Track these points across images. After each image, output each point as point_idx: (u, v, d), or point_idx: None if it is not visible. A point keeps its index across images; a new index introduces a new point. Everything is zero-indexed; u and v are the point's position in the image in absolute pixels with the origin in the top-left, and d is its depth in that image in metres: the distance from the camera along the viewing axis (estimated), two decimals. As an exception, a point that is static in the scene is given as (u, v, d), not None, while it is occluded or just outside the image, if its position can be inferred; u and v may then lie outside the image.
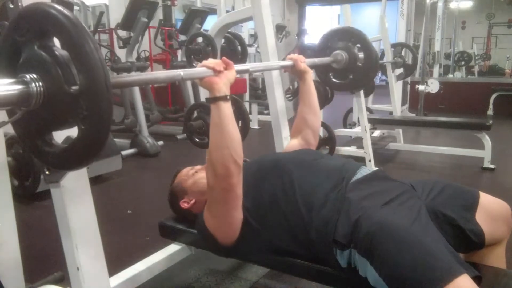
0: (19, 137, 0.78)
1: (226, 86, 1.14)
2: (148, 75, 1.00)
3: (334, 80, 2.04)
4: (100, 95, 0.64)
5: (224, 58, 1.20)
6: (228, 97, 1.14)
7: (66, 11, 0.66)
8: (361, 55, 1.88)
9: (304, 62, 1.61)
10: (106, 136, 0.69)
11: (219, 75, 1.14)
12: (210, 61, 1.15)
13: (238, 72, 1.23)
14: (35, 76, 0.68)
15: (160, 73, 1.01)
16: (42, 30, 0.69)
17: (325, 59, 1.88)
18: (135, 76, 0.92)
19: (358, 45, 1.97)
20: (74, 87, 0.66)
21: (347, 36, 1.95)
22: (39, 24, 0.69)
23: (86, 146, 0.69)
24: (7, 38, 0.74)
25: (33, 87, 0.67)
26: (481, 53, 11.35)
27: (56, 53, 0.68)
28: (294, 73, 1.65)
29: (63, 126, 0.72)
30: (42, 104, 0.68)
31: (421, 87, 5.59)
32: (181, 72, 1.03)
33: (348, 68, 1.88)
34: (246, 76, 6.36)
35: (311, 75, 1.65)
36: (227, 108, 1.13)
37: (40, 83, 0.68)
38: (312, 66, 1.67)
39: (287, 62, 1.59)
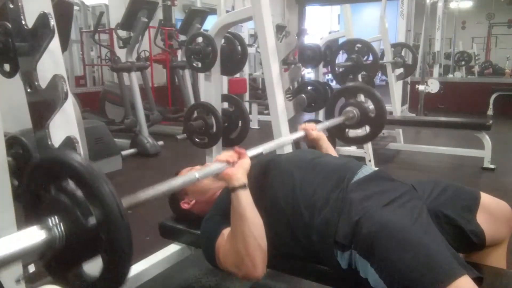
0: (50, 275, 0.82)
1: (243, 175, 1.15)
2: (162, 186, 1.01)
3: (350, 136, 2.09)
4: (116, 225, 0.70)
5: (236, 148, 1.21)
6: (246, 185, 1.15)
7: (75, 156, 0.73)
8: (371, 106, 1.92)
9: (315, 129, 1.61)
10: (129, 262, 0.73)
11: (234, 166, 1.16)
12: (223, 155, 1.17)
13: (252, 157, 1.24)
14: (56, 219, 0.73)
15: (176, 180, 1.02)
16: (56, 176, 0.75)
17: (337, 120, 1.91)
18: (149, 190, 0.96)
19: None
20: (91, 222, 0.71)
21: (353, 92, 2.00)
22: (53, 171, 0.76)
23: (112, 275, 0.74)
24: (26, 189, 0.80)
25: (55, 231, 0.72)
26: (483, 60, 11.33)
27: (72, 193, 0.74)
28: (308, 143, 1.65)
29: (88, 258, 0.76)
30: (65, 243, 0.73)
31: (421, 87, 5.59)
32: (196, 174, 1.04)
33: (361, 122, 1.93)
34: (246, 76, 6.36)
35: (326, 140, 1.63)
36: (247, 197, 1.14)
37: (61, 225, 0.73)
38: (325, 131, 1.69)
39: (299, 134, 1.58)
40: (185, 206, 1.46)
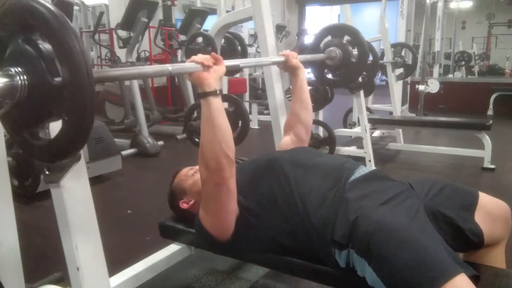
0: (7, 131, 0.80)
1: (216, 81, 1.14)
2: (134, 69, 0.98)
3: (328, 76, 2.04)
4: (82, 87, 0.66)
5: (213, 53, 1.19)
6: (218, 91, 1.13)
7: (49, 5, 0.67)
8: (354, 51, 1.88)
9: (296, 58, 1.61)
10: (89, 128, 0.69)
11: (208, 70, 1.14)
12: (199, 56, 1.15)
13: (228, 67, 1.22)
14: (19, 69, 0.69)
15: (148, 68, 1.01)
16: (25, 24, 0.70)
17: (319, 56, 1.88)
18: (121, 70, 0.91)
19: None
20: (57, 79, 0.67)
21: (340, 33, 1.95)
22: (23, 19, 0.70)
23: (70, 138, 0.70)
24: None
25: (17, 80, 0.69)
26: (481, 53, 11.34)
27: (40, 46, 0.70)
28: (286, 69, 1.65)
29: (48, 118, 0.73)
30: (27, 97, 0.69)
31: (421, 87, 5.59)
32: (169, 67, 1.03)
33: (342, 65, 1.88)
34: (246, 76, 6.36)
35: (303, 71, 1.64)
36: (217, 103, 1.13)
37: (25, 76, 0.69)
38: (305, 63, 1.67)
39: (279, 58, 1.58)
40: (184, 205, 1.46)
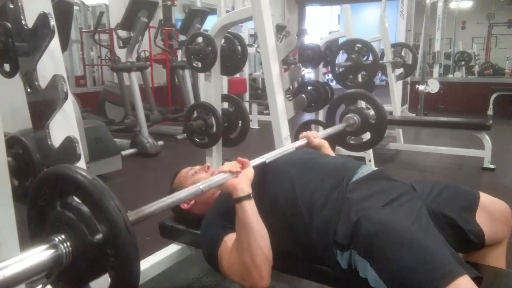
0: None
1: (247, 184, 1.14)
2: (168, 199, 0.98)
3: (352, 142, 2.09)
4: (123, 240, 0.69)
5: (239, 158, 1.19)
6: (251, 195, 1.13)
7: (81, 170, 0.72)
8: (371, 112, 1.92)
9: (317, 137, 1.59)
10: (137, 279, 0.72)
11: (237, 176, 1.15)
12: (226, 166, 1.16)
13: (255, 166, 1.22)
14: (62, 236, 0.73)
15: (181, 193, 1.00)
16: (61, 191, 0.75)
17: (338, 127, 1.91)
18: (155, 205, 0.94)
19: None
20: (98, 237, 0.70)
21: (352, 99, 2.00)
22: (58, 186, 0.75)
23: None
24: (32, 205, 0.80)
25: (62, 249, 0.71)
26: (483, 61, 11.33)
27: (77, 209, 0.73)
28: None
29: (95, 275, 0.75)
30: (72, 261, 0.72)
31: (421, 87, 5.59)
32: (200, 186, 1.03)
33: (362, 128, 1.93)
34: (246, 76, 6.37)
35: (328, 148, 1.62)
36: (252, 207, 1.13)
37: (68, 243, 0.72)
38: (326, 138, 1.69)
39: (301, 142, 1.57)
40: (184, 206, 1.46)
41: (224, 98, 2.40)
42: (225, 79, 4.99)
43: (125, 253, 0.69)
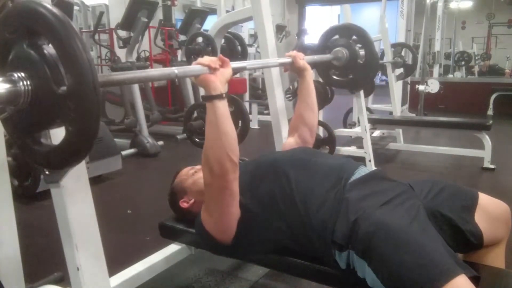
0: (9, 135, 0.78)
1: (222, 84, 1.13)
2: (139, 72, 0.97)
3: (335, 77, 2.02)
4: (87, 97, 0.64)
5: (220, 55, 1.19)
6: (224, 95, 1.13)
7: (55, 10, 0.65)
8: (362, 52, 1.87)
9: (303, 59, 1.60)
10: (93, 139, 0.68)
11: (215, 73, 1.13)
12: (206, 59, 1.14)
13: (235, 69, 1.21)
14: (23, 74, 0.68)
15: (153, 71, 0.99)
16: (31, 29, 0.68)
17: (325, 56, 1.86)
18: (126, 74, 0.90)
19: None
20: (62, 88, 0.65)
21: (347, 33, 1.93)
22: (28, 23, 0.68)
23: (73, 148, 0.69)
24: None
25: (20, 86, 0.67)
26: (481, 53, 11.34)
27: (45, 52, 0.67)
28: (293, 70, 1.64)
29: (51, 126, 0.71)
30: (30, 103, 0.68)
31: (421, 87, 5.59)
32: (175, 70, 1.01)
33: (349, 66, 1.86)
34: (246, 76, 6.36)
35: (311, 73, 1.63)
36: (223, 106, 1.12)
37: (28, 82, 0.67)
38: (312, 64, 1.66)
39: (286, 59, 1.57)
40: (184, 205, 1.47)
41: (224, 98, 2.40)
42: (225, 79, 4.99)
43: (86, 110, 0.64)
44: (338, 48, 1.86)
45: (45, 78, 0.66)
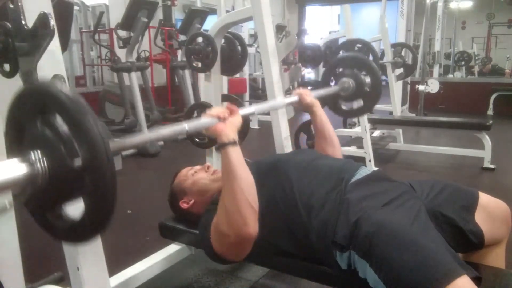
0: (29, 212, 0.79)
1: (233, 131, 1.14)
2: (150, 134, 0.97)
3: (344, 108, 2.06)
4: (102, 169, 0.66)
5: (228, 104, 1.20)
6: (237, 142, 1.13)
7: (66, 90, 0.68)
8: (367, 79, 1.90)
9: (310, 95, 1.58)
10: (112, 209, 0.70)
11: (224, 122, 1.14)
12: (214, 110, 1.16)
13: (244, 115, 1.21)
14: (39, 153, 0.70)
15: (164, 130, 0.98)
16: (43, 108, 0.71)
17: (332, 89, 1.89)
18: (137, 137, 0.92)
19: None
20: (77, 163, 0.68)
21: (350, 63, 1.97)
22: (41, 103, 0.71)
23: (93, 220, 0.71)
24: (11, 117, 0.77)
25: (38, 166, 0.69)
26: (482, 56, 11.33)
27: (58, 129, 0.70)
28: (302, 108, 1.61)
29: (70, 199, 0.73)
30: (48, 181, 0.70)
31: (421, 87, 5.59)
32: (185, 125, 1.02)
33: (356, 95, 1.90)
34: (246, 76, 6.36)
35: (320, 107, 1.60)
36: (237, 153, 1.12)
37: (45, 160, 0.69)
38: (319, 98, 1.68)
39: (293, 98, 1.55)
40: (184, 205, 1.47)
41: (224, 98, 2.40)
42: (225, 79, 4.99)
43: (102, 181, 0.67)
44: (344, 79, 1.89)
45: (60, 154, 0.68)
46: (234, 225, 1.09)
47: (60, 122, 0.70)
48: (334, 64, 2.05)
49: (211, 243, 1.20)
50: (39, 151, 0.69)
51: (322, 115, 1.59)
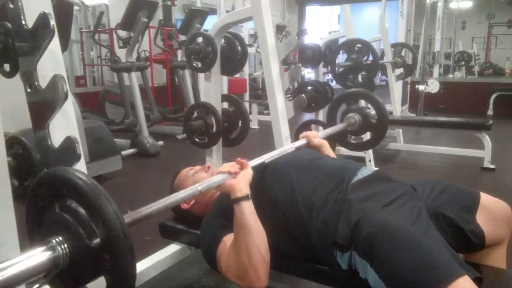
0: None
1: (245, 185, 1.14)
2: (165, 201, 0.99)
3: (353, 142, 2.08)
4: (120, 245, 0.69)
5: (238, 159, 1.20)
6: (249, 195, 1.14)
7: (80, 174, 0.72)
8: (372, 111, 1.91)
9: (317, 137, 1.59)
10: (133, 283, 0.72)
11: (236, 177, 1.15)
12: (225, 166, 1.17)
13: (254, 167, 1.22)
14: (60, 238, 0.73)
15: (179, 194, 1.00)
16: (60, 193, 0.75)
17: (339, 127, 1.90)
18: (152, 207, 0.96)
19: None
20: (95, 241, 0.71)
21: (353, 98, 2.00)
22: (57, 188, 0.75)
23: None
24: (30, 205, 0.81)
25: (59, 251, 0.72)
26: (483, 61, 11.33)
27: (75, 212, 0.73)
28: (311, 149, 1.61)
29: (92, 278, 0.76)
30: (69, 263, 0.73)
31: (421, 87, 5.59)
32: (199, 187, 1.03)
33: (363, 128, 1.92)
34: (246, 76, 6.36)
35: (328, 147, 1.61)
36: (250, 207, 1.13)
37: (65, 245, 0.73)
38: (327, 137, 1.68)
39: (301, 142, 1.56)
40: (184, 206, 1.47)
41: (224, 98, 2.40)
42: (225, 79, 4.99)
43: (121, 258, 0.70)
44: (350, 115, 1.91)
45: (79, 236, 0.72)
46: (246, 279, 1.11)
47: (76, 205, 0.74)
48: (337, 101, 2.09)
49: (217, 266, 1.21)
50: (60, 237, 0.73)
51: (330, 154, 1.60)
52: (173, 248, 1.70)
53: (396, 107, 4.66)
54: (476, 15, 12.56)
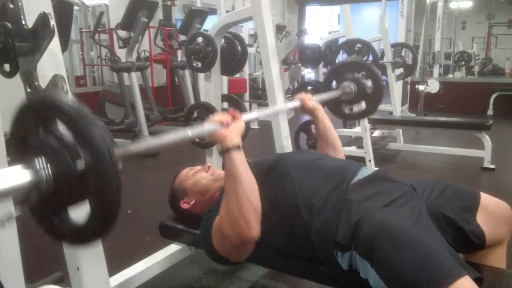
0: (36, 221, 0.80)
1: (236, 136, 1.14)
2: (154, 140, 0.99)
3: (346, 111, 2.07)
4: (106, 170, 0.67)
5: (230, 110, 1.20)
6: (240, 146, 1.13)
7: (65, 97, 0.70)
8: (368, 82, 1.91)
9: (312, 100, 1.58)
10: (117, 209, 0.70)
11: (227, 127, 1.15)
12: (217, 116, 1.16)
13: (246, 120, 1.22)
14: (43, 161, 0.70)
15: (168, 136, 1.00)
16: (45, 116, 0.72)
17: (334, 93, 1.89)
18: (141, 144, 0.95)
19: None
20: (80, 166, 0.69)
21: (350, 68, 1.98)
22: (42, 112, 0.73)
23: (100, 221, 0.71)
24: (14, 130, 0.78)
25: (42, 173, 0.70)
26: (483, 57, 11.33)
27: (60, 135, 0.71)
28: (304, 113, 1.61)
29: (76, 202, 0.73)
30: (53, 187, 0.71)
31: (421, 87, 5.59)
32: (189, 132, 1.02)
33: (358, 98, 1.91)
34: (246, 76, 6.36)
35: (322, 111, 1.60)
36: (241, 157, 1.13)
37: (48, 167, 0.70)
38: (321, 102, 1.68)
39: (295, 104, 1.55)
40: (184, 206, 1.46)
41: (224, 98, 2.40)
42: (225, 79, 4.99)
43: (106, 182, 0.67)
44: (345, 84, 1.89)
45: (64, 159, 0.69)
46: (237, 229, 1.10)
47: (61, 129, 0.71)
48: (335, 70, 2.07)
49: (213, 245, 1.20)
50: (43, 158, 0.70)
51: (325, 119, 1.59)
52: (173, 248, 1.70)
53: (396, 107, 4.66)
54: (476, 15, 12.55)
